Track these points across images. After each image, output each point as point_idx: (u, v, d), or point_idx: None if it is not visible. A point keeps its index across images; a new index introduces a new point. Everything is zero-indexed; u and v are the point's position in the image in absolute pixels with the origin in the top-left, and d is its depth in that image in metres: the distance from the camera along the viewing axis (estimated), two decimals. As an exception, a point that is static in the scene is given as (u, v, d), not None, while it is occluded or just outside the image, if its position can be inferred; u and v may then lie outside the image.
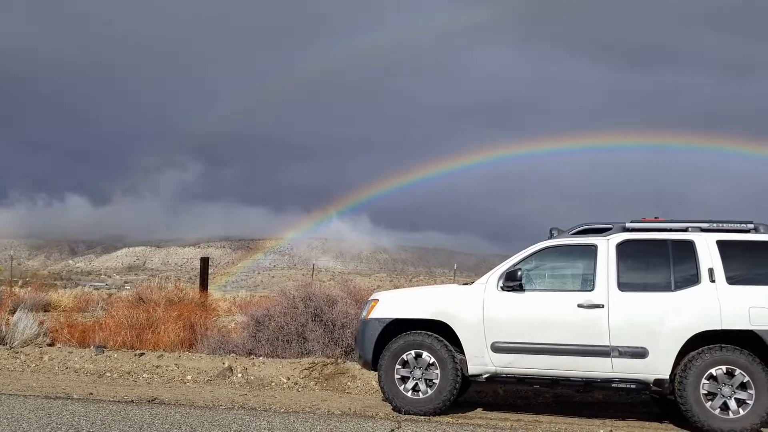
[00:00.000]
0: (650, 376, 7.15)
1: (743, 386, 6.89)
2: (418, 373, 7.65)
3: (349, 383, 9.48)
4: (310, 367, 9.79)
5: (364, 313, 8.22)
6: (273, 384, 9.56)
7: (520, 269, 7.66)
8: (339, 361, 9.99)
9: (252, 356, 10.55)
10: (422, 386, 7.62)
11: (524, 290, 7.63)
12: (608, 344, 7.22)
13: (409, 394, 7.65)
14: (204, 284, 17.37)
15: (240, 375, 9.85)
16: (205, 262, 18.90)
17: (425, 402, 7.58)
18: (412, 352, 7.69)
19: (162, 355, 10.65)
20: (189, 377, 9.90)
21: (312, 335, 10.60)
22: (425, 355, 7.65)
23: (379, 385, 7.92)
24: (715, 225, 7.60)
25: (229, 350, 10.90)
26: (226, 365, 10.04)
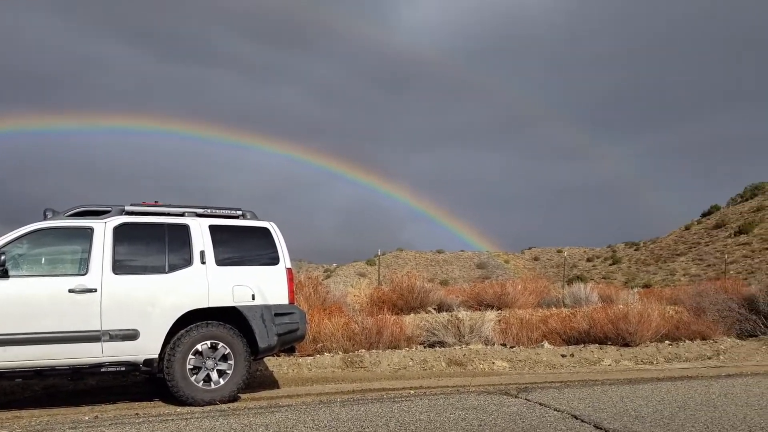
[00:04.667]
0: (140, 357, 7.28)
1: (225, 358, 7.58)
2: None
3: None
4: None
5: None
6: None
7: (4, 253, 6.94)
8: None
9: None
10: None
11: (9, 276, 6.94)
12: (99, 329, 7.08)
13: None
14: None
15: None
16: None
17: None
18: None
19: None
20: None
21: None
22: None
23: None
24: (209, 211, 8.17)
25: None
26: None
